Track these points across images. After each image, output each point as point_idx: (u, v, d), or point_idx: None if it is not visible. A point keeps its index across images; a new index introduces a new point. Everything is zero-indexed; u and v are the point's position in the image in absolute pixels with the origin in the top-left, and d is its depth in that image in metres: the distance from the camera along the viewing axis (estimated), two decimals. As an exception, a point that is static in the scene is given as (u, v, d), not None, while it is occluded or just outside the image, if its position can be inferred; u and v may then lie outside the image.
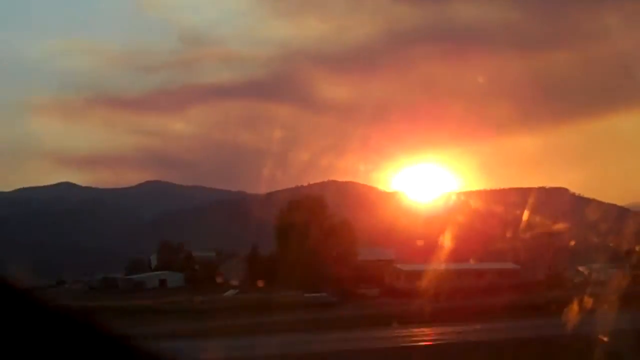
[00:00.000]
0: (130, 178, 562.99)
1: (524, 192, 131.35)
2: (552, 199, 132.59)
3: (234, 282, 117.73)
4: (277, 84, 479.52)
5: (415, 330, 57.33)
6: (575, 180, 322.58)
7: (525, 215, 74.23)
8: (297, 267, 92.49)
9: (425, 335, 53.75)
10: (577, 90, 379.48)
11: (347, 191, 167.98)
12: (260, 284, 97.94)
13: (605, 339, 32.00)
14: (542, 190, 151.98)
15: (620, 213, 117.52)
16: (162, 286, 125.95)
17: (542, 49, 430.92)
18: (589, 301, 41.62)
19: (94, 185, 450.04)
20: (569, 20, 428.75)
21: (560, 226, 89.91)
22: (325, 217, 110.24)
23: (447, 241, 75.50)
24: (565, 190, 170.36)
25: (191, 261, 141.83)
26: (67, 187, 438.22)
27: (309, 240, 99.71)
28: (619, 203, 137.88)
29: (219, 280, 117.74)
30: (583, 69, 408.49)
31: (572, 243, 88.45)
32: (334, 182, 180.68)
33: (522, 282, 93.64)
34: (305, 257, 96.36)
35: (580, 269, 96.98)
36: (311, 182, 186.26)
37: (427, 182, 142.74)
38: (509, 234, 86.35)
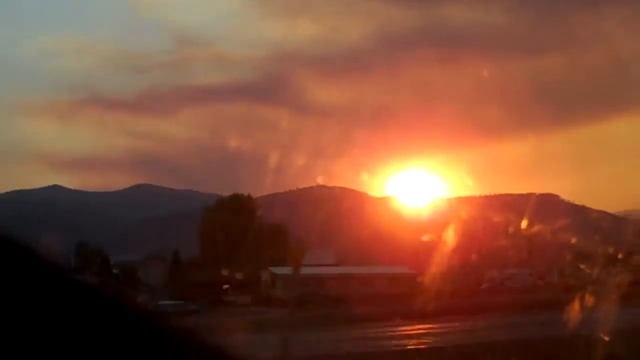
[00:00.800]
0: (121, 181, 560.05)
1: (514, 199, 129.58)
2: (542, 206, 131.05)
3: (154, 288, 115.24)
4: (269, 86, 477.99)
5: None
6: (567, 187, 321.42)
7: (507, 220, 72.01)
8: (210, 271, 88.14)
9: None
10: (570, 96, 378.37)
11: (335, 196, 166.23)
12: (173, 289, 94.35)
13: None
14: (532, 196, 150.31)
15: (612, 220, 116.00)
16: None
17: (535, 54, 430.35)
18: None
19: (84, 189, 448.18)
20: (562, 25, 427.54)
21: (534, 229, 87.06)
22: (254, 219, 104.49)
23: (423, 245, 73.06)
24: (556, 196, 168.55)
25: (108, 265, 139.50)
26: (57, 190, 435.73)
27: (229, 244, 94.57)
28: (611, 210, 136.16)
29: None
30: (576, 75, 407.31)
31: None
32: (324, 186, 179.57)
33: (411, 289, 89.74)
34: (221, 261, 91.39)
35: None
36: (300, 187, 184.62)
37: (418, 187, 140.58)
38: (486, 239, 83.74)
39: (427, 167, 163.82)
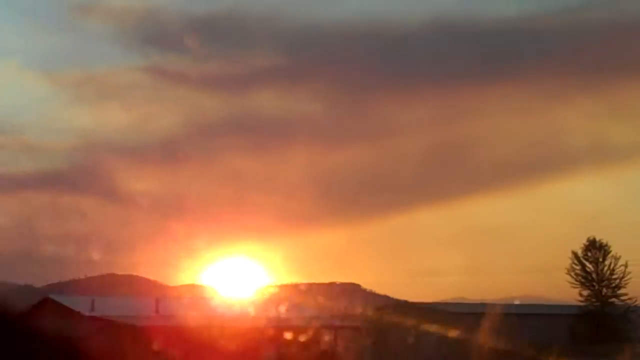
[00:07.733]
0: None
1: (320, 287, 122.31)
2: (343, 295, 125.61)
3: None
4: (78, 175, 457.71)
5: None
6: (370, 277, 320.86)
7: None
8: None
9: None
10: (380, 186, 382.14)
11: (125, 284, 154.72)
12: None
13: None
14: (333, 285, 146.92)
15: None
16: None
17: (344, 143, 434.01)
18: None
19: None
20: (372, 115, 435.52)
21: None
22: None
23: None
24: (357, 286, 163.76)
25: None
26: None
27: None
28: (412, 299, 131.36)
29: None
30: (384, 165, 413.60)
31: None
32: (113, 275, 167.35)
33: None
34: None
35: None
36: (89, 275, 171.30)
37: (224, 276, 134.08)
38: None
39: (237, 256, 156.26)
